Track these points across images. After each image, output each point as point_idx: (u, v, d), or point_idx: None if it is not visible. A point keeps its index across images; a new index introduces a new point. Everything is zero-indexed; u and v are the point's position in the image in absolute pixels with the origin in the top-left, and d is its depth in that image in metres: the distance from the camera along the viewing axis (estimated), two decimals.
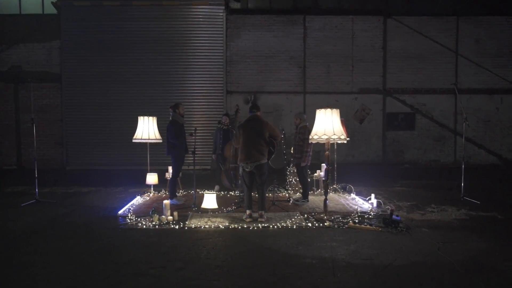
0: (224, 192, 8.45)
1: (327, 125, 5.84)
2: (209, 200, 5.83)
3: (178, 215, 6.18)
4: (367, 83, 12.73)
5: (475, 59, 12.67)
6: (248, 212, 6.00)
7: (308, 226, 5.72)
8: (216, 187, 8.73)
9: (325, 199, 6.09)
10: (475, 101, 12.79)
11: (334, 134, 5.79)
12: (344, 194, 8.30)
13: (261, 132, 5.91)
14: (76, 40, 12.51)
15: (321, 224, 5.78)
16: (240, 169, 6.11)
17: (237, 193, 8.31)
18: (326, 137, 5.79)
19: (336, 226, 5.68)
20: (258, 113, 6.11)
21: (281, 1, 12.84)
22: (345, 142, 5.97)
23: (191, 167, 6.92)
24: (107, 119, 12.50)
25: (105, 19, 12.46)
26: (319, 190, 8.57)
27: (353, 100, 12.71)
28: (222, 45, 12.53)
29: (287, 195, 7.79)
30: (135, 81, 12.49)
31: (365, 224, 5.70)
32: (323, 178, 8.36)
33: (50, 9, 12.77)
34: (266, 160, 6.01)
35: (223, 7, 12.38)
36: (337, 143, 8.91)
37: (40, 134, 12.79)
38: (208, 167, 12.29)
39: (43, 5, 12.95)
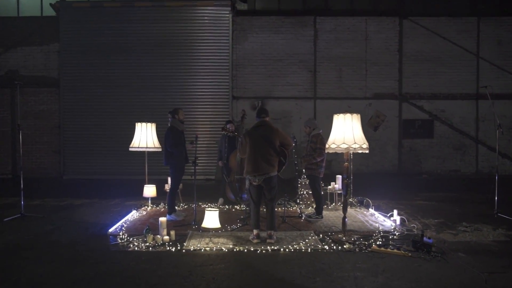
0: (228, 205, 7.71)
1: (347, 133, 5.09)
2: (211, 218, 5.09)
3: (176, 234, 5.44)
4: (382, 88, 11.98)
5: (497, 62, 11.89)
6: (255, 232, 5.24)
7: (325, 249, 4.95)
8: (220, 200, 7.99)
9: (344, 217, 5.32)
10: (498, 107, 11.91)
11: (355, 143, 5.03)
12: (361, 209, 7.51)
13: (270, 140, 5.17)
14: (75, 43, 11.95)
15: (339, 247, 5.00)
16: (247, 183, 5.37)
17: (243, 207, 7.56)
18: (345, 146, 5.04)
19: (357, 250, 4.90)
20: (267, 119, 5.38)
21: (290, 1, 12.18)
22: (367, 151, 5.21)
23: (194, 177, 6.17)
24: (107, 126, 11.88)
25: (105, 21, 11.90)
26: (333, 204, 7.79)
27: (367, 106, 11.95)
28: (227, 48, 11.88)
29: (298, 210, 7.03)
30: (136, 86, 11.87)
31: (391, 247, 4.91)
32: (338, 192, 7.60)
33: (49, 11, 12.25)
34: (276, 173, 5.26)
35: (229, 8, 11.75)
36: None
37: (37, 141, 12.21)
38: (213, 177, 11.57)
39: (42, 7, 12.42)
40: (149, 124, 7.68)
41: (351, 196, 8.04)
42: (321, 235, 5.57)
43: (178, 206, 7.59)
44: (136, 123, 7.75)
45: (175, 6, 11.85)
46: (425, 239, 4.86)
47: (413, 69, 11.95)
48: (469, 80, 11.92)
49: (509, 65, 11.84)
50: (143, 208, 7.54)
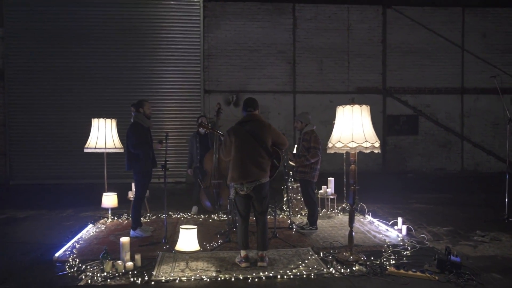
0: (204, 215, 6.60)
1: (356, 129, 4.13)
2: (187, 239, 3.98)
3: (142, 258, 4.31)
4: (365, 81, 11.20)
5: (482, 55, 11.38)
6: (243, 253, 4.19)
7: (332, 273, 3.97)
8: (194, 209, 6.87)
9: (351, 232, 4.37)
10: (483, 102, 11.49)
11: (366, 141, 4.08)
12: (357, 215, 6.61)
13: (261, 138, 4.14)
14: (22, 28, 10.39)
15: (348, 270, 4.04)
16: (231, 192, 4.30)
17: (221, 216, 6.49)
18: (354, 145, 4.08)
19: (371, 273, 3.96)
20: (256, 112, 4.34)
21: None
22: (379, 151, 4.28)
23: (162, 180, 5.05)
24: (61, 123, 10.41)
25: (59, 3, 10.42)
26: (324, 210, 6.85)
27: (349, 101, 11.06)
28: (198, 36, 10.73)
29: (288, 220, 6.01)
30: (94, 78, 10.48)
31: (413, 269, 3.98)
32: (331, 197, 6.67)
33: None
34: (268, 179, 4.24)
35: None
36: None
37: None
38: (183, 179, 10.41)
39: None
40: (108, 120, 6.44)
41: (344, 200, 7.14)
42: (321, 253, 4.60)
43: (145, 218, 6.41)
44: (92, 119, 6.49)
45: None
46: (452, 257, 3.99)
47: (398, 62, 11.25)
48: (454, 73, 11.37)
49: (494, 58, 11.37)
50: (101, 221, 6.31)
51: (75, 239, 5.23)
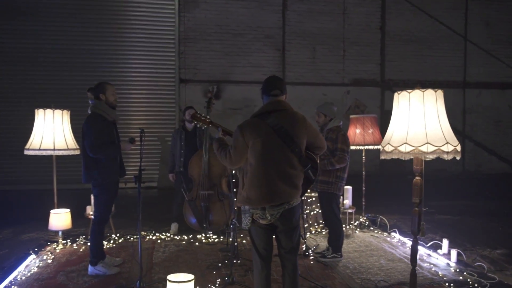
0: (187, 235, 5.11)
1: (430, 125, 2.80)
2: None
3: None
4: (362, 72, 9.97)
5: (485, 46, 10.43)
6: None
7: None
8: (174, 227, 5.34)
9: (414, 272, 3.04)
10: (486, 98, 10.56)
11: (447, 143, 2.76)
12: (378, 232, 5.35)
13: (293, 139, 2.72)
14: None
15: None
16: (244, 220, 2.83)
17: (211, 237, 5.03)
18: (431, 148, 2.74)
19: None
20: (284, 98, 2.91)
21: None
22: (460, 157, 2.99)
23: (129, 185, 3.54)
24: (2, 117, 8.52)
25: None
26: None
27: (344, 94, 9.87)
28: (173, 16, 9.10)
29: (303, 245, 4.61)
30: (46, 62, 8.61)
31: None
32: (349, 210, 5.35)
33: None
34: (300, 200, 2.83)
35: None
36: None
37: None
38: (155, 184, 8.81)
39: None
40: (58, 111, 4.81)
41: (363, 213, 5.87)
42: None
43: (109, 241, 4.84)
44: (36, 110, 4.84)
45: None
46: None
47: (397, 51, 10.10)
48: (457, 65, 10.37)
49: (498, 50, 10.46)
50: (48, 248, 4.67)
51: (6, 282, 3.61)
